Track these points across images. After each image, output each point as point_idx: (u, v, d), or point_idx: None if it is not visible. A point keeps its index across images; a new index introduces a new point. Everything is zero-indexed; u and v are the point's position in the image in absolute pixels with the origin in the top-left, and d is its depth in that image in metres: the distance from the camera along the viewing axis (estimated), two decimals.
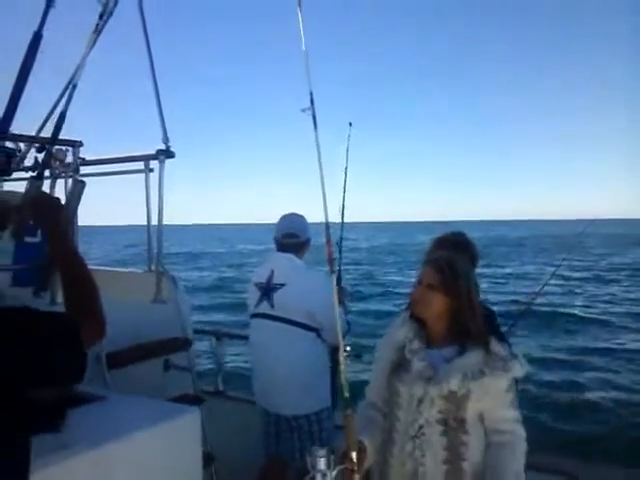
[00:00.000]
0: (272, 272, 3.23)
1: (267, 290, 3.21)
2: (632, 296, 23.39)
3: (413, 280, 2.20)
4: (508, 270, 33.84)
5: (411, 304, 2.17)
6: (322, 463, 1.82)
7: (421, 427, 2.01)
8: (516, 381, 2.08)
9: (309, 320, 3.12)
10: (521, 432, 2.04)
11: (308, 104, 2.18)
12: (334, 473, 1.83)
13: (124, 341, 2.95)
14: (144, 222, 3.45)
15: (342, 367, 1.99)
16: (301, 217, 3.39)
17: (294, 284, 3.16)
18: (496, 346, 2.04)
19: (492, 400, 2.01)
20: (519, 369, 2.03)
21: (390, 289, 25.64)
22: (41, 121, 3.18)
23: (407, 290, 2.26)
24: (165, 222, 3.35)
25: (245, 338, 4.24)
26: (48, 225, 1.66)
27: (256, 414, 3.47)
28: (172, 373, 3.27)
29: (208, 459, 2.82)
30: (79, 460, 1.88)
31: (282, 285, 3.17)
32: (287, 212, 3.42)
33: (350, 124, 3.93)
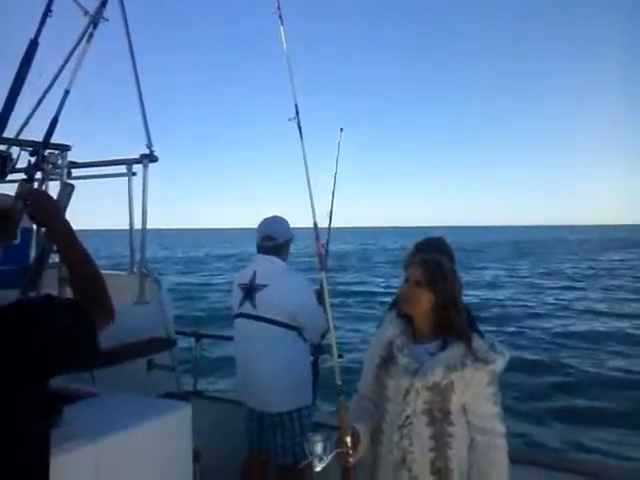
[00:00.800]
0: (254, 273, 3.32)
1: (250, 290, 3.30)
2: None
3: (393, 281, 2.33)
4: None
5: (399, 301, 2.29)
6: (319, 448, 1.94)
7: (408, 417, 2.12)
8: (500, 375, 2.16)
9: (290, 320, 3.22)
10: (501, 430, 2.13)
11: (294, 113, 2.33)
12: (330, 457, 1.95)
13: (109, 341, 3.00)
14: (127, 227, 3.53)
15: (334, 355, 2.13)
16: (280, 220, 3.47)
17: (275, 285, 3.26)
18: (477, 340, 2.16)
19: (473, 392, 2.11)
20: (500, 362, 2.13)
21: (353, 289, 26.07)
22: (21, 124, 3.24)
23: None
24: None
25: (224, 338, 4.32)
26: (49, 217, 1.70)
27: (235, 412, 3.55)
28: (155, 373, 3.33)
29: (195, 455, 2.89)
30: (81, 452, 1.96)
31: (264, 286, 3.26)
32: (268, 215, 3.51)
33: (341, 130, 3.92)
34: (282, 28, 2.34)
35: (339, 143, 3.86)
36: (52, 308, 1.41)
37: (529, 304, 22.58)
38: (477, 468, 2.09)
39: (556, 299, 23.93)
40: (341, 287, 25.67)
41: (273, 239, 3.37)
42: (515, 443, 2.25)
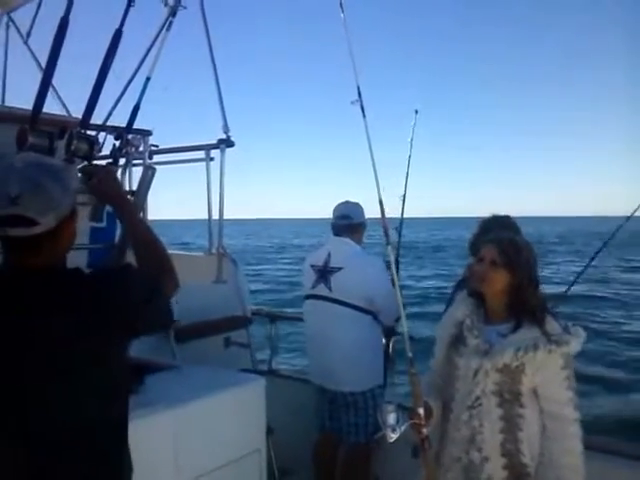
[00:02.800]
0: (329, 255, 3.36)
1: (324, 273, 3.33)
2: None
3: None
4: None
5: (474, 281, 2.23)
6: (392, 418, 1.95)
7: (478, 398, 2.09)
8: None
9: (367, 304, 3.25)
10: (574, 416, 2.05)
11: (356, 96, 2.35)
12: (403, 427, 1.96)
13: (189, 318, 3.16)
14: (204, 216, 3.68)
15: (405, 329, 2.14)
16: (355, 203, 3.51)
17: (352, 268, 3.28)
18: (551, 322, 2.08)
19: (546, 376, 2.05)
20: (574, 344, 2.04)
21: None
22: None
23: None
24: None
25: (299, 319, 4.41)
26: (113, 195, 1.79)
27: (307, 392, 3.62)
28: (232, 350, 3.46)
29: (268, 429, 2.99)
30: (159, 417, 2.08)
31: (340, 269, 3.29)
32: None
33: (416, 112, 3.83)
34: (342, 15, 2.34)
35: (413, 125, 3.80)
36: (133, 274, 1.51)
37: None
38: (548, 455, 2.04)
39: None
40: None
41: (349, 218, 3.41)
42: (590, 429, 2.15)
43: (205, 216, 3.71)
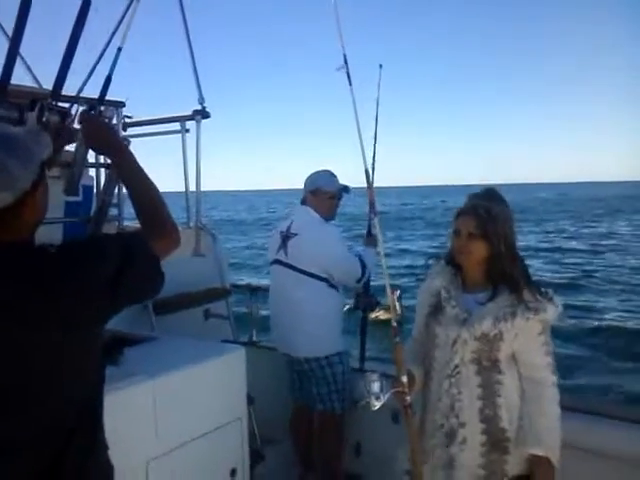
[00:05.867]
0: (291, 222, 3.41)
1: (284, 238, 3.38)
2: None
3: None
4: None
5: (453, 254, 2.23)
6: (375, 387, 1.98)
7: (456, 367, 2.12)
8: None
9: (319, 270, 3.28)
10: (551, 379, 2.09)
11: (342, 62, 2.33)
12: (387, 396, 1.99)
13: (168, 291, 3.16)
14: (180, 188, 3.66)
15: (390, 300, 2.15)
16: (324, 172, 3.49)
17: (305, 235, 3.32)
18: (529, 289, 2.09)
19: (524, 342, 2.07)
20: (552, 312, 2.07)
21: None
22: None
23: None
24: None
25: None
26: (106, 143, 1.70)
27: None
28: (212, 322, 3.48)
29: (249, 399, 3.02)
30: (139, 388, 2.09)
31: (295, 235, 3.34)
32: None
33: (380, 66, 3.62)
34: None
35: (379, 82, 3.54)
36: (104, 244, 1.45)
37: None
38: (528, 418, 2.08)
39: None
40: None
41: (312, 187, 3.43)
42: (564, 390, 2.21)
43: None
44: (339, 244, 3.38)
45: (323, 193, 3.41)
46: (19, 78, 2.60)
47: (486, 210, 2.14)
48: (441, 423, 2.17)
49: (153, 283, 1.49)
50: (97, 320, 1.40)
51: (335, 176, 3.49)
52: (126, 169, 1.66)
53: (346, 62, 2.30)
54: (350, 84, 2.28)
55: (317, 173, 3.49)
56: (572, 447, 2.18)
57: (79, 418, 1.38)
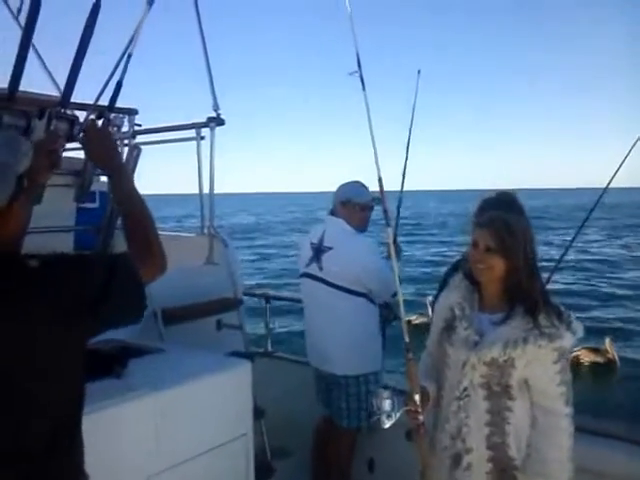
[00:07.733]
0: (323, 234, 3.33)
1: (318, 251, 3.30)
2: None
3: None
4: None
5: (470, 267, 2.10)
6: (387, 405, 1.90)
7: (465, 389, 2.04)
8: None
9: (356, 285, 3.20)
10: (564, 411, 1.98)
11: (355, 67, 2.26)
12: (398, 414, 1.92)
13: (179, 300, 3.12)
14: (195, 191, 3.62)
15: (402, 314, 2.09)
16: (355, 183, 3.43)
17: (341, 249, 3.24)
18: (546, 313, 1.98)
19: (537, 370, 1.97)
20: (568, 339, 1.96)
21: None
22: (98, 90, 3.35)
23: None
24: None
25: (294, 300, 4.36)
26: (105, 156, 1.66)
27: (304, 374, 3.60)
28: (224, 332, 3.42)
29: (258, 412, 2.96)
30: (140, 402, 2.04)
31: (330, 248, 3.26)
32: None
33: (419, 72, 3.56)
34: None
35: (416, 88, 3.49)
36: (91, 262, 1.42)
37: None
38: (536, 448, 1.98)
39: None
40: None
41: (342, 199, 3.36)
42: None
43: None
44: (376, 256, 3.31)
45: (354, 204, 3.35)
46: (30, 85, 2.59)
47: (503, 222, 2.01)
48: (446, 445, 2.09)
49: (135, 309, 1.45)
50: (74, 342, 1.34)
51: (366, 187, 3.40)
52: (121, 190, 1.62)
53: (359, 66, 2.23)
54: (364, 88, 2.21)
55: (348, 184, 3.44)
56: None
57: (53, 438, 1.33)
